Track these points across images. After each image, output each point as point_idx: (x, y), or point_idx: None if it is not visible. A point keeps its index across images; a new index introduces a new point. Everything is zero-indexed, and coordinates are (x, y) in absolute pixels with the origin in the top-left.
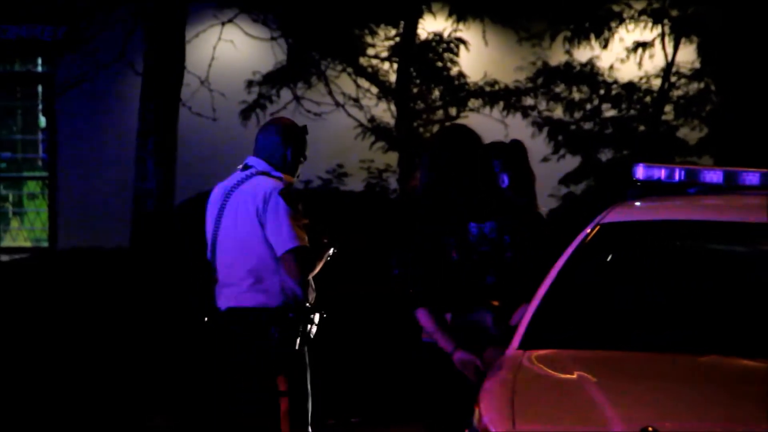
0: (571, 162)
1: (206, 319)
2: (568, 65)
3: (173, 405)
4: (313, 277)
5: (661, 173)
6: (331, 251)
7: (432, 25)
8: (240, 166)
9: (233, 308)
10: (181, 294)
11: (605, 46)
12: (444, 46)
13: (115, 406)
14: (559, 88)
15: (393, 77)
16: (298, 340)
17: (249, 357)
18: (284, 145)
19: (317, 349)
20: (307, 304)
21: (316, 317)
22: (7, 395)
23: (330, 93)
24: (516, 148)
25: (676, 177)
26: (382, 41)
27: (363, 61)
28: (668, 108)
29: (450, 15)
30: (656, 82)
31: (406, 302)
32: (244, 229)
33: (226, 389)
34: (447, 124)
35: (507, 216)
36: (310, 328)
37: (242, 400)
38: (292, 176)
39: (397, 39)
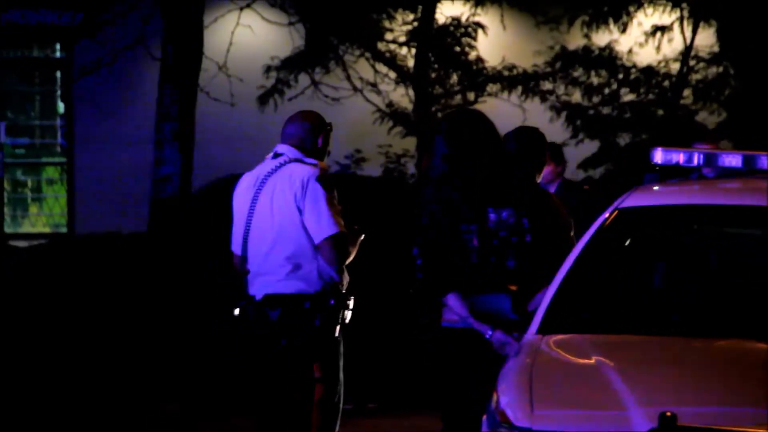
0: (590, 146)
1: (240, 307)
2: (587, 49)
3: (187, 390)
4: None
5: (680, 157)
6: (362, 237)
7: (450, 9)
8: (270, 155)
9: (270, 295)
10: (204, 280)
11: (624, 30)
12: (462, 31)
13: (129, 390)
14: (578, 73)
15: (411, 62)
16: (338, 327)
17: (290, 343)
18: (316, 132)
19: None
20: (343, 290)
21: (351, 302)
22: (24, 379)
23: (348, 78)
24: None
25: (695, 161)
26: (400, 26)
27: (381, 46)
28: (687, 92)
29: None
30: (675, 66)
31: (433, 289)
32: (282, 216)
33: (266, 375)
34: (451, 110)
35: (524, 201)
36: (346, 314)
37: (279, 386)
38: (323, 163)
39: (415, 24)
